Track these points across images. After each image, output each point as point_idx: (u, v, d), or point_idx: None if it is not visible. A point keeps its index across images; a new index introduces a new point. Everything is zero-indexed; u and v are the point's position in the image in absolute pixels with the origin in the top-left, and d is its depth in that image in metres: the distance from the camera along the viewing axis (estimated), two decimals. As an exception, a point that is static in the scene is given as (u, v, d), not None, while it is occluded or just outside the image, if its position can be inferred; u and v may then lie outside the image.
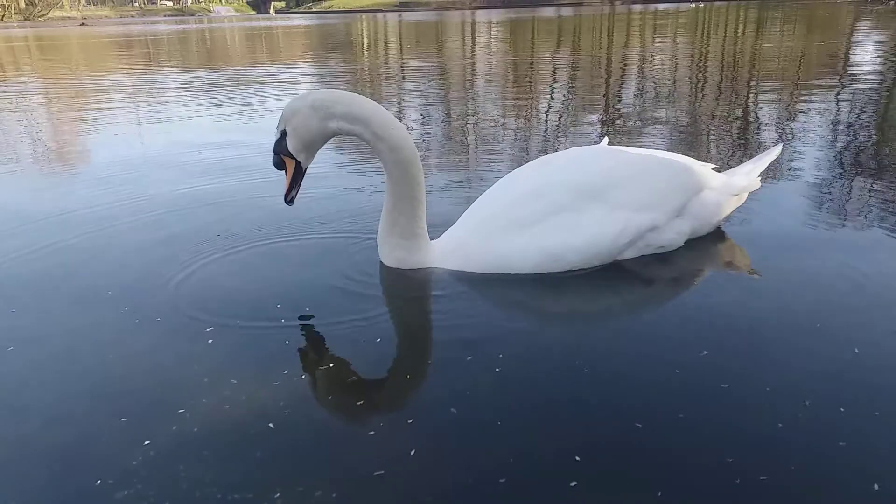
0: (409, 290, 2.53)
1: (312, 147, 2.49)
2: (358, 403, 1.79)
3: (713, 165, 2.86)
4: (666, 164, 2.74)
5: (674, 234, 2.67)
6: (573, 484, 1.44)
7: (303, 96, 2.43)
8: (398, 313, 2.41)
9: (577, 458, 1.51)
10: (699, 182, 2.73)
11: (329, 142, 2.57)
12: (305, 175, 2.52)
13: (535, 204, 2.57)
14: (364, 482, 1.47)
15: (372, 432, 1.65)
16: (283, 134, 2.44)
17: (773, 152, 2.91)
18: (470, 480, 1.48)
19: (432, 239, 2.67)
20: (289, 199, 2.51)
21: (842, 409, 1.64)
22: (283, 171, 2.51)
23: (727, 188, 2.79)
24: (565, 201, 2.56)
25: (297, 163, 2.47)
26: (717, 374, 1.81)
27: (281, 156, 2.46)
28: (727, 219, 2.87)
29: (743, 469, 1.44)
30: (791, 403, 1.66)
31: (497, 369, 1.87)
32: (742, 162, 3.08)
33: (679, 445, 1.54)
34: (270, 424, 1.68)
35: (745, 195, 2.89)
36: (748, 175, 2.86)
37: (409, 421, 1.69)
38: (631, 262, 2.59)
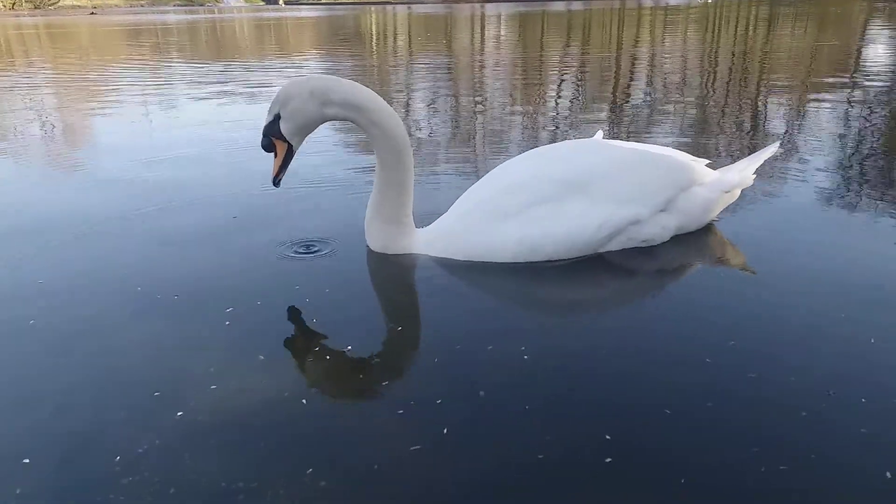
0: (399, 275, 2.60)
1: (306, 130, 2.53)
2: (384, 383, 1.85)
3: (706, 161, 2.86)
4: (654, 159, 2.71)
5: (658, 229, 2.66)
6: (608, 460, 1.50)
7: (300, 81, 2.45)
8: (395, 300, 2.48)
9: (608, 437, 1.57)
10: (688, 177, 2.71)
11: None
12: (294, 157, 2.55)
13: (518, 194, 2.59)
14: (401, 457, 1.53)
15: (401, 411, 1.70)
16: (277, 117, 2.46)
17: (769, 150, 2.87)
18: (509, 455, 1.53)
19: (424, 227, 2.72)
20: (277, 182, 2.56)
21: (863, 400, 1.69)
22: (273, 153, 2.52)
23: (718, 185, 2.76)
24: (548, 192, 2.57)
25: (289, 146, 2.50)
26: (743, 363, 1.86)
27: (271, 138, 2.48)
28: (720, 216, 2.88)
29: (769, 455, 1.50)
30: (816, 393, 1.72)
31: (525, 357, 1.92)
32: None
33: (707, 431, 1.60)
34: (303, 401, 1.74)
35: (738, 192, 2.86)
36: (741, 172, 2.82)
37: (438, 401, 1.73)
38: (634, 252, 2.61)
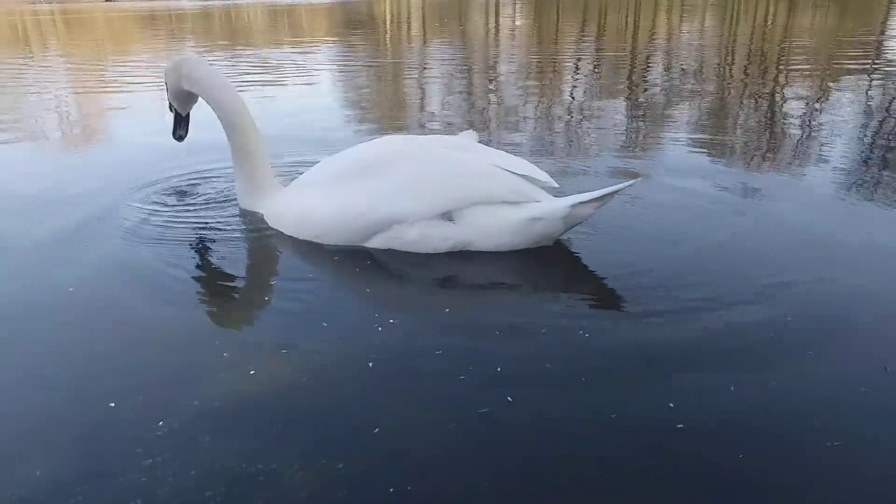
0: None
1: (178, 100, 3.02)
2: (436, 353, 1.92)
3: (553, 185, 2.62)
4: (454, 164, 2.52)
5: (425, 234, 2.49)
6: (679, 426, 1.60)
7: (173, 60, 2.94)
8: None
9: (671, 405, 1.68)
10: (488, 191, 2.48)
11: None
12: (190, 119, 3.12)
13: (318, 171, 2.79)
14: (474, 417, 1.64)
15: (462, 377, 1.82)
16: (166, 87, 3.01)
17: (617, 186, 2.39)
18: (581, 414, 1.64)
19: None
20: (176, 136, 3.13)
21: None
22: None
23: (527, 210, 2.49)
24: (336, 173, 2.66)
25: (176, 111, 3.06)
26: (797, 343, 1.95)
27: (168, 101, 3.07)
28: (541, 241, 2.57)
29: (824, 431, 1.59)
30: (871, 370, 1.82)
31: (586, 335, 2.01)
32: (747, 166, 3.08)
33: (769, 405, 1.68)
34: (365, 366, 1.85)
35: (560, 225, 2.51)
36: (562, 204, 2.47)
37: (498, 370, 1.86)
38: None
